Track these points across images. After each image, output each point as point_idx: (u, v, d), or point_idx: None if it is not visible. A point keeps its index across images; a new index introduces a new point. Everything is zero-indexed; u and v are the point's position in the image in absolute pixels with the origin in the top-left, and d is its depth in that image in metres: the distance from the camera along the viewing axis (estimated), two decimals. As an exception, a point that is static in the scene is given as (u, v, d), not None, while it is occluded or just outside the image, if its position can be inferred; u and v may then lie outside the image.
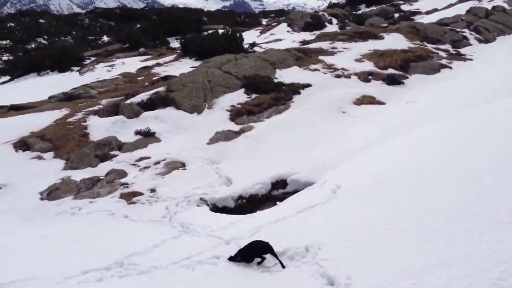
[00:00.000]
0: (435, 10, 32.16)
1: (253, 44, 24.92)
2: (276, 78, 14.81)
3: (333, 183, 8.26)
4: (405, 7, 36.23)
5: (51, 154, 11.46)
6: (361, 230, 6.19)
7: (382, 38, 19.34)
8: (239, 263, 6.21)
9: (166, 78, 17.72)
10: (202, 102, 13.54)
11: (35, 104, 17.11)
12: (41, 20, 62.10)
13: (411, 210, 6.23)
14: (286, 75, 15.10)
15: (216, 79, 14.45)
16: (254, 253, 6.21)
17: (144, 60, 26.68)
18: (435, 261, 4.95)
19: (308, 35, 27.64)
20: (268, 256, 6.17)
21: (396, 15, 33.53)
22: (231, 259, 6.27)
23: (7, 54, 46.61)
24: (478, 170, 6.50)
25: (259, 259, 6.19)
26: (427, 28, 20.83)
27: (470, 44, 20.01)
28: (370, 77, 15.30)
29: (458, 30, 21.27)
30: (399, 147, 9.45)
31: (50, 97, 18.81)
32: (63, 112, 14.12)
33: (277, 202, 8.64)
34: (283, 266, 5.95)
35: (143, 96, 14.23)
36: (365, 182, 7.96)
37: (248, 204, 9.21)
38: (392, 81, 15.04)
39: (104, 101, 14.55)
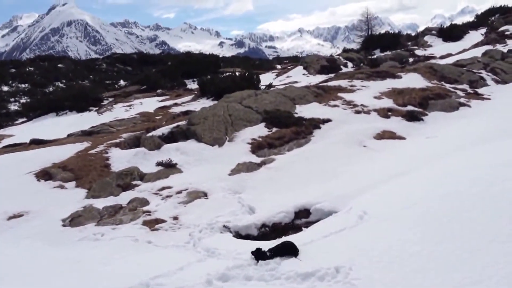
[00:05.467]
0: (449, 55, 32.37)
1: (270, 86, 25.13)
2: (296, 113, 14.88)
3: (359, 209, 8.17)
4: (419, 52, 36.59)
5: (73, 183, 11.49)
6: (393, 252, 6.10)
7: (400, 77, 19.45)
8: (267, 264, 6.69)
9: (186, 113, 17.88)
10: (223, 135, 13.61)
11: (55, 140, 17.28)
12: (59, 65, 63.20)
13: (442, 233, 6.18)
14: (306, 111, 15.17)
15: (237, 113, 14.56)
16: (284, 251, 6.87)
17: (162, 101, 26.97)
18: (471, 280, 4.92)
19: (324, 78, 27.86)
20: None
21: (411, 59, 33.77)
22: (259, 256, 6.86)
23: (25, 97, 47.23)
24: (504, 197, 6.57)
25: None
26: (444, 69, 20.94)
27: (487, 85, 20.02)
28: (389, 113, 15.32)
29: (475, 71, 21.34)
30: (424, 177, 9.36)
31: (68, 135, 18.98)
32: (84, 144, 14.23)
33: (303, 228, 8.58)
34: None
35: (164, 130, 14.34)
36: (392, 208, 7.85)
37: (271, 232, 9.08)
38: (412, 117, 15.05)
39: (125, 135, 14.66)
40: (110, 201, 10.65)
